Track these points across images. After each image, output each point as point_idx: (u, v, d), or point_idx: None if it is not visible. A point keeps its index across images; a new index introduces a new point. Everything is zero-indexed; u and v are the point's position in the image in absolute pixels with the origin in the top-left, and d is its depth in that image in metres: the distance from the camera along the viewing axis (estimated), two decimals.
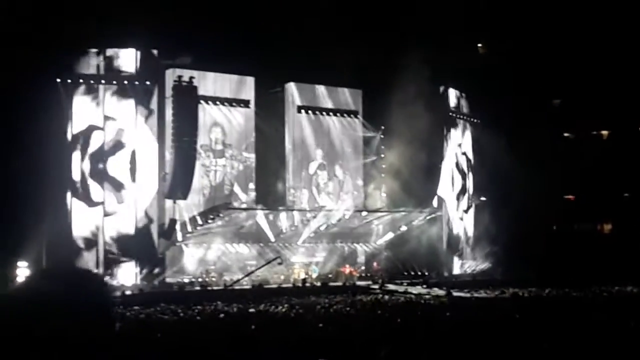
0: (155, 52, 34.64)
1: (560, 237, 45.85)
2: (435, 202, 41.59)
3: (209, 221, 35.50)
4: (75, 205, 33.35)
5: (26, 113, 30.75)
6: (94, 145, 33.79)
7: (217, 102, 37.71)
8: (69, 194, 33.24)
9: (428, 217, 40.68)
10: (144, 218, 34.34)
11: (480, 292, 32.34)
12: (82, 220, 33.42)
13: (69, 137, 33.44)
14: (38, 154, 31.85)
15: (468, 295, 30.62)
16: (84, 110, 33.82)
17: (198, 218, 35.29)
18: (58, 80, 33.27)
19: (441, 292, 31.38)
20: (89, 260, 32.63)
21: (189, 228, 35.25)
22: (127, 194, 34.16)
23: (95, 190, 33.71)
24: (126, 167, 34.24)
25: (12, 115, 30.06)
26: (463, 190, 44.63)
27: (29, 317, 2.00)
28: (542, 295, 29.34)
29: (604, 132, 48.86)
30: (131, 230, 34.05)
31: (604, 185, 44.85)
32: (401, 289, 34.54)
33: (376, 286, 35.51)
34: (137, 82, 34.52)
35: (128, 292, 30.62)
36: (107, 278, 31.72)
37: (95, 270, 29.62)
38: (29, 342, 1.98)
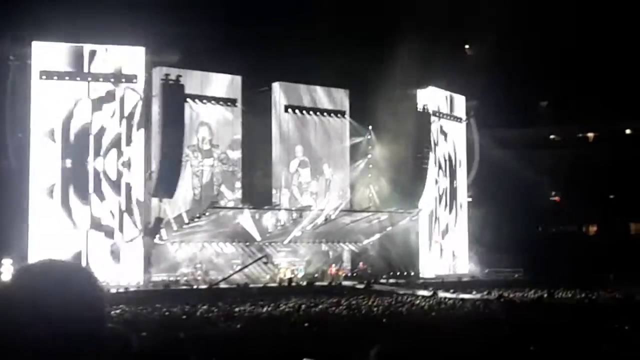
0: (142, 49, 34.51)
1: (546, 238, 46.00)
2: (422, 202, 41.63)
3: (195, 220, 35.41)
4: (60, 202, 33.14)
5: (8, 110, 30.54)
6: (79, 142, 33.59)
7: (204, 101, 37.60)
8: (54, 191, 33.03)
9: (414, 217, 40.72)
10: (129, 216, 34.20)
11: (465, 293, 32.34)
12: (67, 217, 33.22)
13: (54, 134, 33.22)
14: (21, 151, 31.70)
15: (454, 296, 30.63)
16: (69, 107, 33.60)
17: (184, 217, 35.17)
18: (43, 77, 33.07)
19: (427, 293, 31.37)
20: (73, 258, 32.44)
21: (175, 227, 35.13)
22: (113, 191, 34.00)
23: (80, 187, 33.52)
24: (112, 165, 34.09)
25: None
26: (449, 190, 44.70)
27: (15, 318, 1.92)
28: (526, 297, 29.38)
29: (590, 135, 49.09)
30: (116, 228, 33.91)
31: (590, 187, 45.01)
32: (387, 289, 34.53)
33: (362, 286, 35.48)
34: (123, 80, 34.39)
35: (113, 291, 30.46)
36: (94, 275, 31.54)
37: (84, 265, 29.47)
38: (15, 346, 1.90)
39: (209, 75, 37.75)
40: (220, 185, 38.26)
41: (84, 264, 32.08)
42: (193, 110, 37.06)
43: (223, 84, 38.15)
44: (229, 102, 38.23)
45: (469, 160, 44.74)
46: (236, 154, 38.76)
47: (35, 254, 30.76)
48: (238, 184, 38.79)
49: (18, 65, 32.72)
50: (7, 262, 29.51)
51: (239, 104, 38.43)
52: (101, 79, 34.10)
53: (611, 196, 46.75)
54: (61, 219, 33.07)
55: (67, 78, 33.65)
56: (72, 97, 33.71)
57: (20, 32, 31.17)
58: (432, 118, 43.31)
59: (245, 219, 37.37)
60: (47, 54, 33.35)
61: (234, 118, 38.52)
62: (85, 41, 33.73)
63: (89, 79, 33.98)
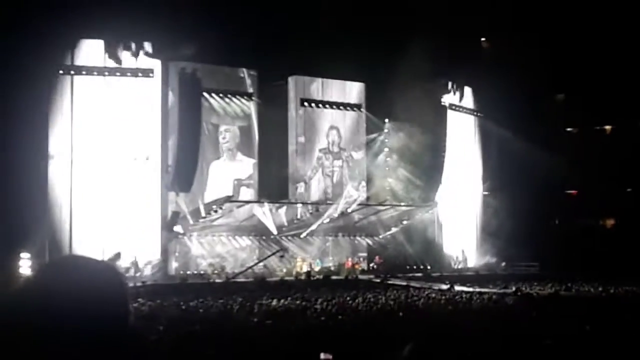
0: (159, 44, 34.59)
1: (563, 232, 45.80)
2: (439, 196, 41.59)
3: (212, 213, 35.52)
4: (77, 196, 33.32)
5: (28, 105, 30.72)
6: (97, 137, 33.74)
7: (221, 95, 37.68)
8: (71, 185, 33.21)
9: (431, 211, 40.69)
10: (146, 210, 34.34)
11: (482, 287, 32.26)
12: (85, 211, 33.39)
13: (72, 128, 33.38)
14: (39, 145, 31.89)
15: (471, 289, 30.55)
16: (86, 102, 33.75)
17: (201, 210, 35.28)
18: (60, 71, 33.24)
19: (443, 287, 31.32)
20: (91, 252, 32.61)
21: (191, 220, 35.25)
22: (131, 185, 34.14)
23: (99, 181, 33.67)
24: (130, 159, 34.22)
25: (14, 107, 30.02)
26: (466, 183, 44.61)
27: (39, 313, 1.91)
28: (543, 291, 29.30)
29: (607, 127, 48.77)
30: (134, 222, 34.03)
31: (607, 180, 44.75)
32: (403, 282, 34.48)
33: (378, 280, 35.47)
34: (140, 74, 34.50)
35: (130, 285, 30.59)
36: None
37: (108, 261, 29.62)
38: (38, 342, 1.89)
39: (225, 70, 37.89)
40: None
41: (105, 259, 32.24)
42: (210, 104, 37.24)
43: (240, 78, 38.25)
44: (245, 95, 38.37)
45: (485, 153, 44.67)
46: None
47: (55, 249, 31.04)
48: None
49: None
50: (26, 256, 29.61)
51: (255, 97, 38.54)
52: (118, 74, 34.22)
53: (629, 189, 46.46)
54: (79, 212, 33.28)
55: (84, 72, 33.83)
56: (89, 91, 33.89)
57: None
58: (449, 111, 43.27)
59: (261, 213, 37.47)
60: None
61: (251, 111, 38.69)
62: (101, 36, 33.85)
63: (106, 73, 34.12)
